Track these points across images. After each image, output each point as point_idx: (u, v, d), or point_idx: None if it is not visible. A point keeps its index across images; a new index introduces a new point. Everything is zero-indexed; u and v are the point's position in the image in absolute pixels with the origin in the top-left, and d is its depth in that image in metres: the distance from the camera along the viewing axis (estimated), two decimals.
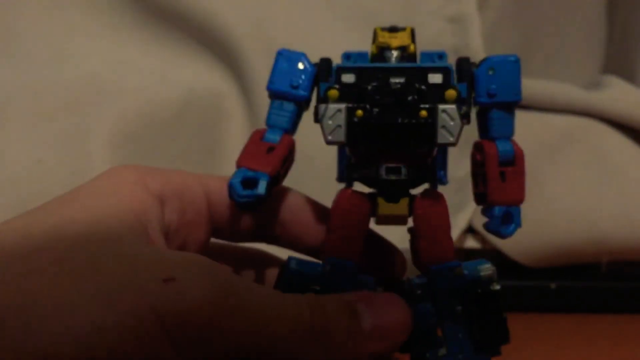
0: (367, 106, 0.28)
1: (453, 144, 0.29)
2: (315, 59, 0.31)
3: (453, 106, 0.28)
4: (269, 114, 0.31)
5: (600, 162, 0.48)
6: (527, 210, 0.46)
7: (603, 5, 0.54)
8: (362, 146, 0.29)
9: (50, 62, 0.48)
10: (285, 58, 0.31)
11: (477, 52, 0.47)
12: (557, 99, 0.49)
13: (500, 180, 0.30)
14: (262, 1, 0.50)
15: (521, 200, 0.31)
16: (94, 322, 0.23)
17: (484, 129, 0.31)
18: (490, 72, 0.30)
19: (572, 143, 0.49)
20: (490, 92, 0.30)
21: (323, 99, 0.29)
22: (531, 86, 0.49)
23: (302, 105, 0.31)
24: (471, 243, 0.48)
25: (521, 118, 0.49)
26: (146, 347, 0.23)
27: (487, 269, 0.29)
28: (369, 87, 0.28)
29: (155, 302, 0.24)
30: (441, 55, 0.32)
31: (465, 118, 0.29)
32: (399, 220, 0.30)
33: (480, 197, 0.31)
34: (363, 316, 0.27)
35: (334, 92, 0.29)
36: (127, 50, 0.50)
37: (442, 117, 0.28)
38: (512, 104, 0.30)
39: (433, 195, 0.30)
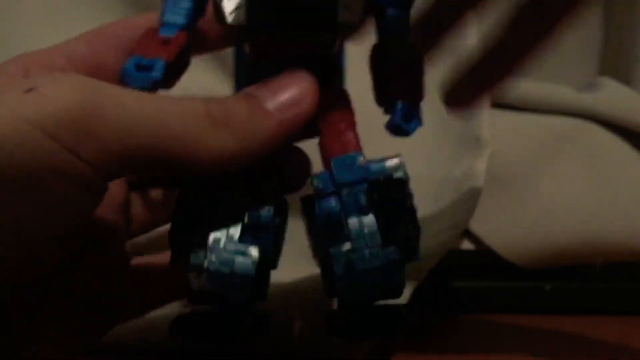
0: None
1: (356, 24, 0.28)
2: None
3: None
4: (164, 11, 0.29)
5: (595, 163, 0.48)
6: (522, 211, 0.47)
7: (599, 7, 0.54)
8: (262, 31, 0.28)
9: None
10: None
11: (475, 53, 0.47)
12: (552, 100, 0.49)
13: (400, 76, 0.29)
14: None
15: (422, 97, 0.30)
16: None
17: (383, 30, 0.30)
18: None
19: (566, 144, 0.49)
20: None
21: None
22: (525, 87, 0.49)
23: (199, 2, 0.30)
24: (466, 245, 0.48)
25: (515, 119, 0.50)
26: (35, 152, 0.23)
27: (392, 160, 0.28)
28: None
29: (22, 110, 0.23)
30: None
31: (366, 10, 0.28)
32: None
33: (382, 97, 0.30)
34: (262, 96, 0.27)
35: None
36: None
37: None
38: (407, 2, 0.30)
39: (335, 91, 0.29)
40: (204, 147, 0.25)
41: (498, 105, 0.49)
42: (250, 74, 0.30)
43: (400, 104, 0.29)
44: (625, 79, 0.53)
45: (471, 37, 0.47)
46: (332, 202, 0.28)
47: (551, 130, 0.49)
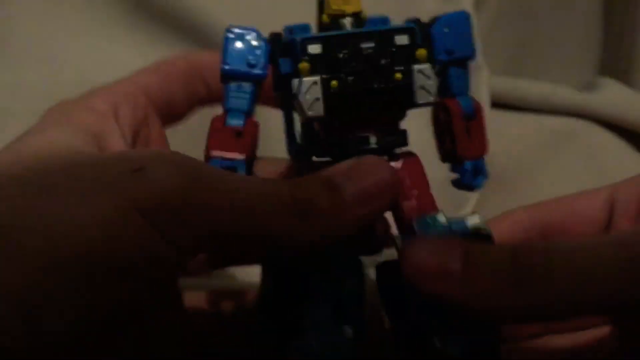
0: (341, 75, 0.28)
1: (433, 104, 0.29)
2: None
3: (427, 65, 0.29)
4: (227, 97, 0.30)
5: (595, 163, 0.48)
6: None
7: (599, 6, 0.54)
8: (340, 117, 0.29)
9: (46, 63, 0.48)
10: (236, 35, 0.30)
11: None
12: (552, 100, 0.49)
13: (467, 136, 0.30)
14: (259, 2, 0.50)
15: (486, 152, 0.31)
16: (81, 225, 0.24)
17: (444, 88, 0.30)
18: (446, 30, 0.30)
19: (565, 144, 0.49)
20: (448, 50, 0.30)
21: (294, 74, 0.28)
22: (526, 87, 0.49)
23: (259, 84, 0.30)
24: None
25: (516, 119, 0.50)
26: (134, 238, 0.24)
27: (474, 218, 0.29)
28: (340, 56, 0.28)
29: (129, 192, 0.24)
30: (384, 20, 0.31)
31: (438, 76, 0.29)
32: None
33: (447, 155, 0.31)
34: (343, 186, 0.27)
35: (305, 65, 0.28)
36: (122, 52, 0.50)
37: (419, 77, 0.28)
38: (468, 59, 0.31)
39: (405, 156, 0.30)
40: (286, 236, 0.26)
41: (498, 105, 0.49)
42: (311, 137, 0.31)
43: (469, 164, 0.30)
44: (625, 79, 0.53)
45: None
46: None
47: (551, 130, 0.49)
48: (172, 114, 0.35)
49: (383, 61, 0.28)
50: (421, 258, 0.26)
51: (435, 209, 0.29)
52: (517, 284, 0.25)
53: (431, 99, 0.29)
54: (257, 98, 0.30)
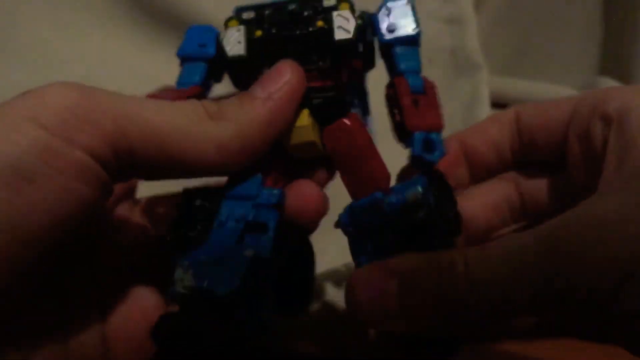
0: (265, 26, 0.30)
1: (351, 41, 0.30)
2: None
3: (347, 10, 0.30)
4: (180, 76, 0.32)
5: None
6: None
7: (599, 7, 0.54)
8: (262, 62, 0.30)
9: (48, 65, 0.48)
10: (195, 30, 0.33)
11: (474, 53, 0.47)
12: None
13: (413, 106, 0.30)
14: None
15: (440, 126, 0.31)
16: None
17: (392, 67, 0.32)
18: (386, 12, 0.32)
19: None
20: (390, 28, 0.31)
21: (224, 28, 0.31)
22: (526, 87, 0.49)
23: (211, 63, 0.32)
24: None
25: None
26: (40, 152, 0.24)
27: (413, 192, 0.28)
28: (266, 13, 0.30)
29: (24, 111, 0.24)
30: None
31: (360, 20, 0.30)
32: (309, 148, 0.30)
33: (400, 130, 0.31)
34: (252, 89, 0.29)
35: (233, 22, 0.31)
36: (123, 54, 0.50)
37: (338, 19, 0.30)
38: (413, 38, 0.31)
39: (347, 118, 0.30)
40: (204, 135, 0.27)
41: (498, 105, 0.49)
42: None
43: (419, 135, 0.30)
44: (625, 79, 0.53)
45: (472, 39, 0.48)
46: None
47: None
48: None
49: (305, 13, 0.30)
50: (361, 299, 0.27)
51: (384, 183, 0.29)
52: (440, 305, 0.26)
53: (349, 36, 0.29)
54: (209, 77, 0.32)
